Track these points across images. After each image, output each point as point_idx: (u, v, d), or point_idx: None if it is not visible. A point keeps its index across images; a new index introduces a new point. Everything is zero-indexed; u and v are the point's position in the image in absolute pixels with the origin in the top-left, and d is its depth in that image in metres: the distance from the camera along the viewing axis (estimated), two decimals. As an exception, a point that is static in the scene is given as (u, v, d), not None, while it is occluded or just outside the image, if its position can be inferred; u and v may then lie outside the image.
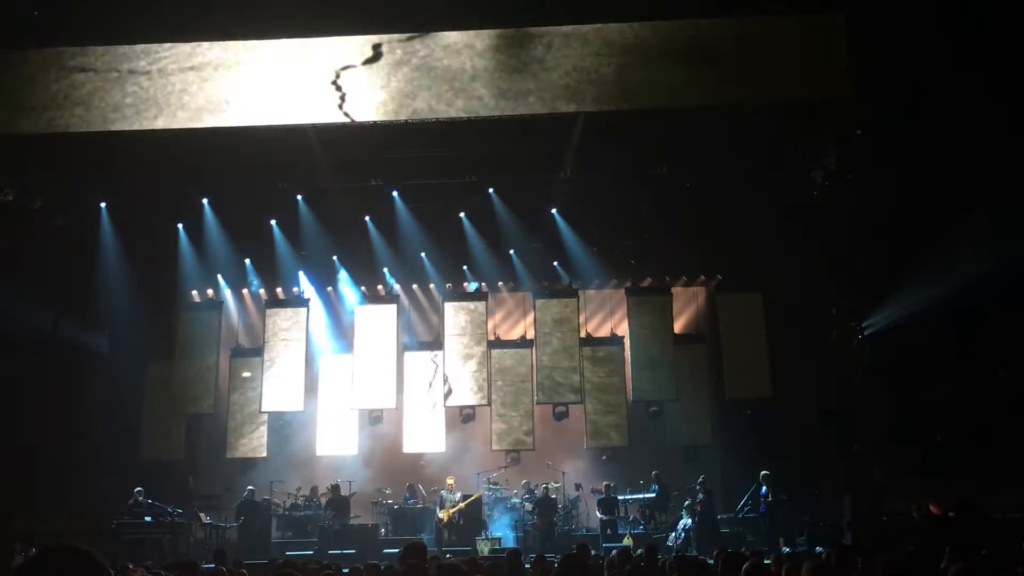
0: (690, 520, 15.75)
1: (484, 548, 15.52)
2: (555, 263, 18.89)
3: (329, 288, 19.63)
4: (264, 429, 18.49)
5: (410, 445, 18.51)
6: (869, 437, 16.67)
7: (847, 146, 15.58)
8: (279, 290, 19.47)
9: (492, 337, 19.15)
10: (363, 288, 19.40)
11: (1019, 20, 11.84)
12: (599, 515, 16.53)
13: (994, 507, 13.45)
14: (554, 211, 18.04)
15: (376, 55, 12.78)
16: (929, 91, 13.27)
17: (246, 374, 18.44)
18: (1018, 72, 12.35)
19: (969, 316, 14.84)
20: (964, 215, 14.28)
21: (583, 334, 19.01)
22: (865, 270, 16.61)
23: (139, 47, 12.85)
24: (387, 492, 17.66)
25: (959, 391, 15.46)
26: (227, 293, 19.54)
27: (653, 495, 16.90)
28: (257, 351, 18.97)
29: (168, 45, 12.91)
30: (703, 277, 19.72)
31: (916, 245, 15.45)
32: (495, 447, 18.32)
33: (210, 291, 19.33)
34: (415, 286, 19.99)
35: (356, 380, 18.55)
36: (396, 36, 12.85)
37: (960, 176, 14.29)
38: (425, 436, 18.51)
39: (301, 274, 19.09)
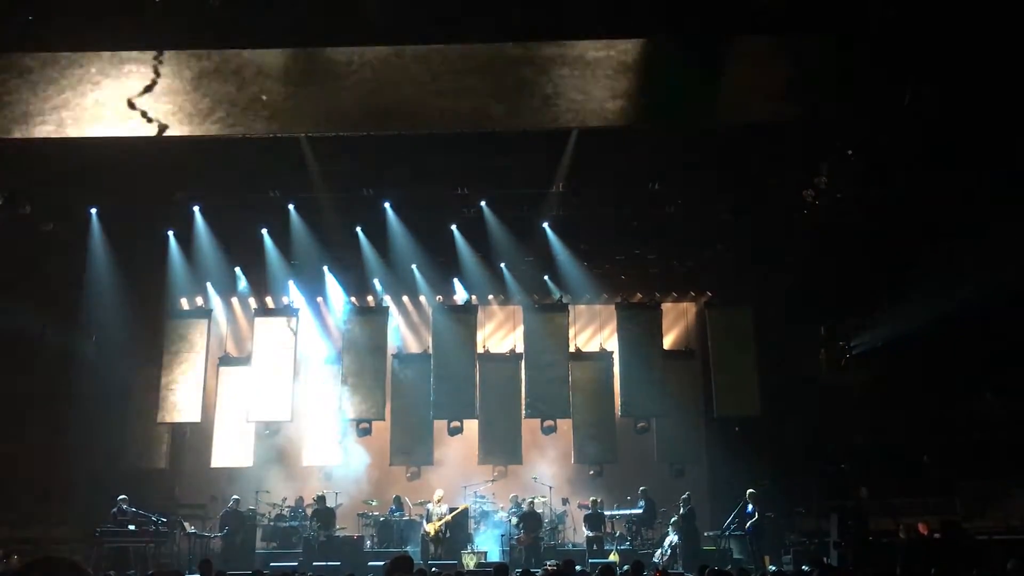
0: (676, 537, 15.72)
1: (470, 562, 15.46)
2: (546, 277, 18.89)
3: (319, 298, 19.57)
4: (251, 438, 18.40)
5: (397, 457, 18.45)
6: (856, 456, 16.70)
7: (839, 166, 15.66)
8: (269, 299, 19.39)
9: (482, 350, 19.14)
10: (353, 298, 19.34)
11: (1009, 40, 11.92)
12: (586, 530, 16.48)
13: (980, 528, 13.50)
14: (546, 225, 18.06)
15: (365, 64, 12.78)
16: (921, 112, 13.35)
17: None
18: (1009, 94, 12.44)
19: (958, 338, 14.91)
20: (955, 237, 14.37)
21: (572, 348, 19.02)
22: (855, 290, 16.70)
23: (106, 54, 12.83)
24: (373, 504, 17.58)
25: (946, 412, 15.53)
26: (216, 301, 19.44)
27: (640, 511, 16.87)
28: (245, 360, 18.92)
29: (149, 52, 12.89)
30: (693, 293, 19.75)
31: (906, 265, 15.55)
32: (482, 460, 18.28)
33: (199, 299, 19.23)
34: (405, 297, 19.94)
35: (344, 391, 18.49)
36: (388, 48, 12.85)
37: (951, 197, 14.39)
38: (412, 448, 18.46)
39: (291, 283, 19.04)
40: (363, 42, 12.48)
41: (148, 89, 12.65)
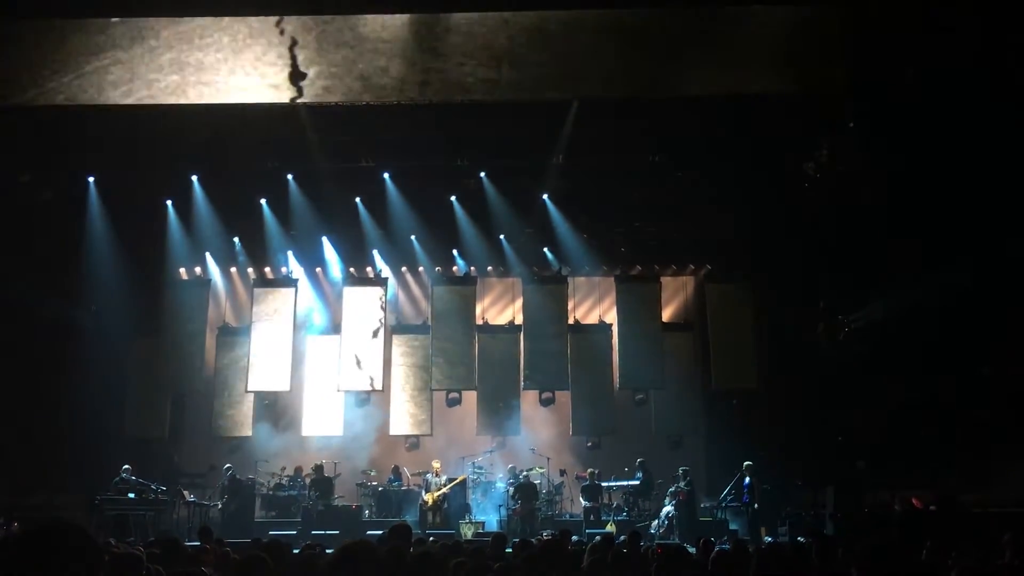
0: (673, 508, 15.82)
1: (467, 531, 15.56)
2: (545, 249, 18.86)
3: (318, 268, 19.56)
4: (250, 408, 18.45)
5: (396, 427, 18.51)
6: (853, 429, 16.76)
7: (839, 139, 15.59)
8: (267, 269, 19.37)
9: (480, 322, 19.15)
10: (352, 269, 19.33)
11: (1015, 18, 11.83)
12: (583, 501, 16.58)
13: (975, 502, 13.57)
14: (545, 197, 18.01)
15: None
16: (924, 85, 13.27)
17: None
18: (1011, 66, 12.35)
19: (956, 313, 14.90)
20: (955, 211, 14.31)
21: (571, 320, 19.03)
22: (854, 264, 16.67)
23: (115, 20, 12.71)
24: (372, 474, 17.67)
25: (944, 387, 15.55)
26: (215, 271, 19.42)
27: (637, 483, 16.95)
28: (244, 330, 18.92)
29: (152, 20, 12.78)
30: (692, 266, 19.76)
31: (906, 240, 15.50)
32: (480, 432, 18.35)
33: (198, 269, 19.21)
34: (404, 268, 19.92)
35: (343, 361, 18.52)
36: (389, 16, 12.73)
37: (951, 172, 14.32)
38: (411, 419, 18.52)
39: (290, 254, 19.02)
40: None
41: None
